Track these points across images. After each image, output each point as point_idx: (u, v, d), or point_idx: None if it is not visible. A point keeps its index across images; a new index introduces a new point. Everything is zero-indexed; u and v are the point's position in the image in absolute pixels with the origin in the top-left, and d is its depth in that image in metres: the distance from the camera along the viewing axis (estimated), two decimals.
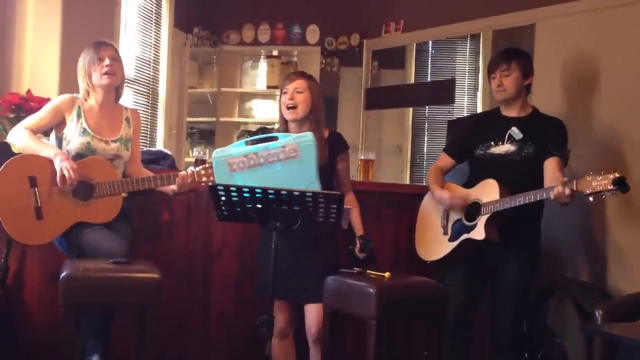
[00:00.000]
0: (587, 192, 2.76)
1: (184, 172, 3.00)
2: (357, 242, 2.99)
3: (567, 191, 2.78)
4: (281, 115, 3.03)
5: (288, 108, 2.95)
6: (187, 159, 5.58)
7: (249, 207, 2.54)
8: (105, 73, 2.96)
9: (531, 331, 3.35)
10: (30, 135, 2.90)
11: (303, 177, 2.68)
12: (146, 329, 2.61)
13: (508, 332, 3.15)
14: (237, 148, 2.74)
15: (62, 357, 2.56)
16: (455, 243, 3.14)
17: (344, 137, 3.13)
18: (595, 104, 3.65)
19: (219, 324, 3.37)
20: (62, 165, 2.80)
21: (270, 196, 2.49)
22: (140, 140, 3.36)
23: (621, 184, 2.71)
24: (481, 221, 3.04)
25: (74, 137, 2.96)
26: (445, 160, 3.36)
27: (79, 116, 2.98)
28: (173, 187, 3.01)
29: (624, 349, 2.48)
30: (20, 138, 2.91)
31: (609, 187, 2.71)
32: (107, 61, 2.96)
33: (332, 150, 3.03)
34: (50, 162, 2.85)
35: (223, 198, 2.55)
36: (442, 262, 3.23)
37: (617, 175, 2.71)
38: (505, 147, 3.17)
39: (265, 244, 2.82)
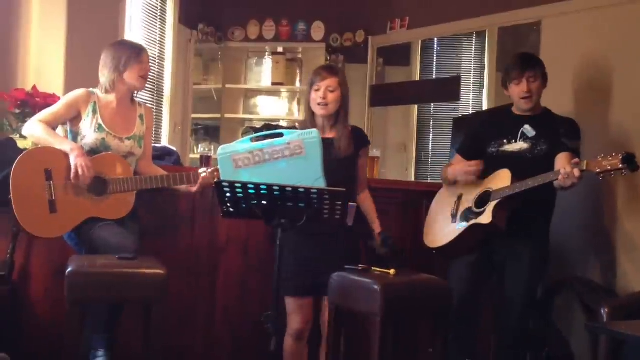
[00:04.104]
0: (597, 171, 2.73)
1: (204, 174, 2.99)
2: (378, 237, 2.98)
3: (577, 172, 2.76)
4: (308, 108, 3.04)
5: (319, 104, 2.98)
6: (192, 156, 5.59)
7: (254, 204, 2.54)
8: (143, 77, 3.06)
9: (537, 328, 3.34)
10: (45, 128, 2.90)
11: (308, 174, 2.68)
12: (151, 324, 2.61)
13: (515, 328, 3.14)
14: (242, 144, 2.73)
15: (68, 351, 2.56)
16: (462, 228, 3.12)
17: (365, 133, 3.20)
18: (602, 103, 3.63)
19: (224, 320, 3.38)
20: (77, 162, 2.82)
21: (276, 193, 2.49)
22: None
23: (630, 162, 2.68)
24: (490, 206, 3.02)
25: (89, 132, 2.96)
26: (459, 161, 3.33)
27: (94, 112, 2.99)
28: (192, 187, 3.00)
29: (630, 347, 2.48)
30: (35, 131, 2.91)
31: (619, 166, 2.68)
32: (146, 66, 3.07)
33: (356, 144, 3.05)
34: (66, 155, 2.85)
35: (228, 194, 2.54)
36: (448, 250, 3.20)
37: (625, 152, 2.69)
38: (519, 145, 3.15)
39: (285, 242, 2.77)
